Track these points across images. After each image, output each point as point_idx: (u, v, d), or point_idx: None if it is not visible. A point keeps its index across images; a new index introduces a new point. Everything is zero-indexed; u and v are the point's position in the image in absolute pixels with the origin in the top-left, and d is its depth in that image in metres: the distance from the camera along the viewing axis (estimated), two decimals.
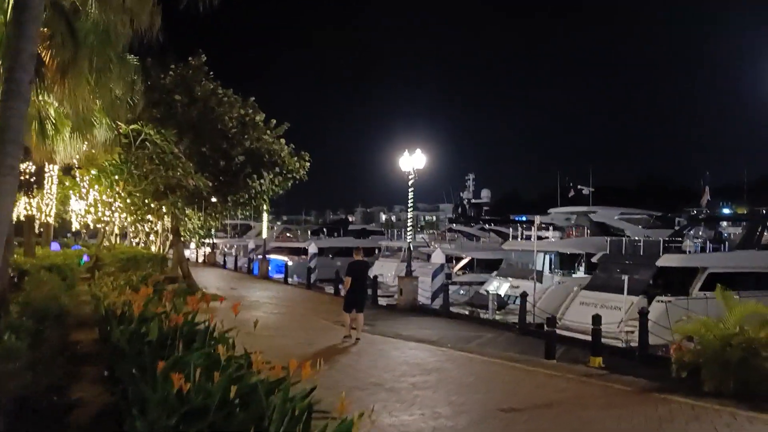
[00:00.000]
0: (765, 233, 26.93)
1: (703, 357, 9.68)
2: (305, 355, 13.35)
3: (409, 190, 24.73)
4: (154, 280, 21.99)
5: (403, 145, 24.68)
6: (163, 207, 21.29)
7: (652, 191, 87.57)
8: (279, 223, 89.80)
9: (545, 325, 15.12)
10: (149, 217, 23.73)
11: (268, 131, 23.59)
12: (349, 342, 14.51)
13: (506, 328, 19.98)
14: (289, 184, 25.41)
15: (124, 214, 21.32)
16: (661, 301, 22.16)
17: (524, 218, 42.70)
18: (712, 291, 23.10)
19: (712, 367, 9.45)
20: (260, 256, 40.47)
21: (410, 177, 24.47)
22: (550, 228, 34.26)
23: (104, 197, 19.54)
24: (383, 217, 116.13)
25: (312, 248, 41.35)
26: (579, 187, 43.70)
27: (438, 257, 28.89)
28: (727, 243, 27.17)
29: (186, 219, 24.17)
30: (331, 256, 51.62)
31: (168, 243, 24.63)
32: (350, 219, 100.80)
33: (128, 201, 19.56)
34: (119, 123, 17.78)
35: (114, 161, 18.70)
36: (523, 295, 19.85)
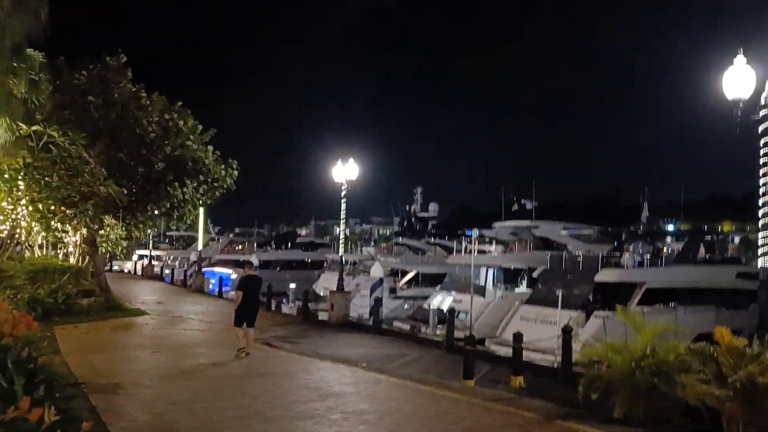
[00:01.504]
0: (702, 249, 26.90)
1: (614, 380, 8.91)
2: (203, 376, 12.24)
3: (342, 201, 23.73)
4: (65, 294, 20.69)
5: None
6: (75, 216, 19.93)
7: (601, 208, 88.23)
8: (231, 235, 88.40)
9: (465, 344, 14.27)
10: (67, 226, 22.30)
11: (191, 137, 22.35)
12: (242, 356, 13.98)
13: (436, 346, 19.13)
14: (217, 194, 24.21)
15: (33, 223, 19.87)
16: (599, 317, 21.74)
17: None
18: (650, 305, 23.01)
19: (622, 391, 8.69)
20: (196, 269, 39.08)
21: (343, 187, 23.47)
22: (493, 242, 33.75)
23: (4, 204, 18.09)
24: (337, 230, 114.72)
25: (254, 261, 40.12)
26: (522, 201, 43.31)
27: (377, 271, 28.14)
28: (664, 258, 27.01)
29: (106, 228, 22.77)
30: (278, 269, 50.67)
31: (85, 254, 23.15)
32: (303, 232, 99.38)
33: (30, 209, 18.19)
34: (20, 124, 16.41)
35: (16, 165, 17.31)
36: (451, 312, 19.04)
